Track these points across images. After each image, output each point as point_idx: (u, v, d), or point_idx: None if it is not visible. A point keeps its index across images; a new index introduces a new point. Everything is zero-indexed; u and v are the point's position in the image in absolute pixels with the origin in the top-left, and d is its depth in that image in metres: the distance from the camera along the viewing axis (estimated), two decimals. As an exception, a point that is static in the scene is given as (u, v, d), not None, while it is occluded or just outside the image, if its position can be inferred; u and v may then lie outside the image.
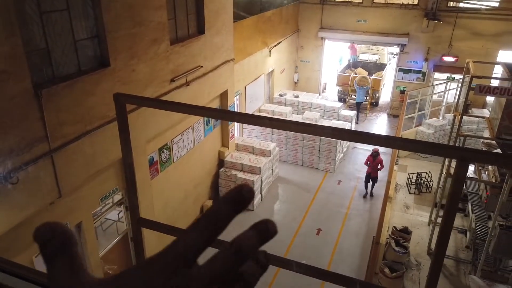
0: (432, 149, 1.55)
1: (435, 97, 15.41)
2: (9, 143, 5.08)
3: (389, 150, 12.61)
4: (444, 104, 15.25)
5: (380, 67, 19.66)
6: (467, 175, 9.49)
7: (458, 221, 10.17)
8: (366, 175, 11.64)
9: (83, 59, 6.17)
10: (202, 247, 0.41)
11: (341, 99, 18.24)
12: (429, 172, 11.67)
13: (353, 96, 18.06)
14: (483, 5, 15.30)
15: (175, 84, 8.35)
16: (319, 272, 1.60)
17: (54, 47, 5.67)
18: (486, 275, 8.04)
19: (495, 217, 7.54)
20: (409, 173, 12.07)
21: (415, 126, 14.42)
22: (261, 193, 11.45)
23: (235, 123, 11.89)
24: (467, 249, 9.29)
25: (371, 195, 11.81)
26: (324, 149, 12.87)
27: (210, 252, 0.43)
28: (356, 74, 17.89)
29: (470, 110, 14.41)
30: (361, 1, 16.97)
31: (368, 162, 11.49)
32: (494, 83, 10.66)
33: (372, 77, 17.58)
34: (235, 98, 12.12)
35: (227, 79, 10.74)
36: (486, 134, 10.43)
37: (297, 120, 13.24)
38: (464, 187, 9.70)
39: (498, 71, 13.85)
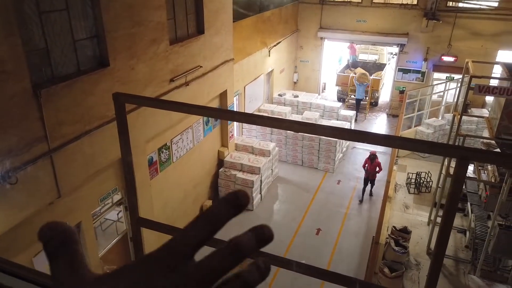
0: (432, 148, 1.55)
1: (434, 97, 15.42)
2: (8, 143, 5.08)
3: (389, 150, 12.62)
4: (443, 104, 15.26)
5: (380, 67, 19.66)
6: (467, 175, 9.50)
7: (458, 221, 10.17)
8: (365, 179, 11.58)
9: (83, 59, 6.17)
10: (199, 245, 0.42)
11: (341, 99, 18.24)
12: (429, 172, 11.68)
13: (352, 96, 18.07)
14: (482, 5, 15.30)
15: (174, 84, 8.35)
16: (318, 271, 1.60)
17: (54, 47, 5.67)
18: (485, 274, 8.04)
19: (494, 217, 7.55)
20: (408, 173, 12.07)
21: (415, 126, 14.43)
22: (260, 193, 11.45)
23: (235, 123, 11.89)
24: (466, 248, 9.29)
25: (371, 194, 11.80)
26: (323, 149, 12.87)
27: (209, 252, 0.44)
28: (355, 74, 17.89)
29: (469, 110, 14.42)
30: (360, 1, 16.98)
31: (366, 165, 11.44)
32: (494, 83, 10.67)
33: (371, 77, 17.58)
34: (235, 98, 12.12)
35: (227, 79, 10.73)
36: (486, 134, 10.43)
37: (298, 120, 13.25)
38: (464, 186, 9.71)
39: (497, 71, 13.88)
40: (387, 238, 8.75)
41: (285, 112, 14.03)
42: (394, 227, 9.35)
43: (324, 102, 15.51)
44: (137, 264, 0.43)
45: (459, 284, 8.44)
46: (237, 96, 12.56)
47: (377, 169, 11.29)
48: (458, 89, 11.41)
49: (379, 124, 17.42)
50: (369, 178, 11.47)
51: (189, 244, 0.42)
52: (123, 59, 6.77)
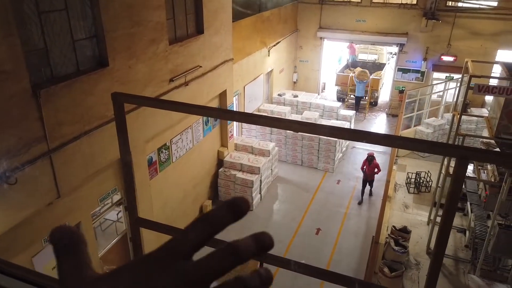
0: (431, 148, 1.54)
1: (434, 96, 15.42)
2: (7, 143, 5.07)
3: (388, 149, 12.63)
4: (443, 103, 15.26)
5: (379, 66, 19.66)
6: (467, 175, 9.50)
7: (457, 220, 10.18)
8: (363, 180, 11.54)
9: (82, 59, 6.16)
10: (198, 246, 0.43)
11: (340, 98, 18.24)
12: (428, 171, 11.68)
13: (352, 96, 18.08)
14: (481, 4, 15.31)
15: (174, 84, 8.34)
16: (317, 271, 1.60)
17: (53, 47, 5.66)
18: (485, 274, 8.04)
19: (494, 216, 7.55)
20: (408, 173, 12.08)
21: (414, 126, 14.43)
22: (260, 193, 11.45)
23: (234, 123, 11.88)
24: (466, 248, 9.30)
25: (370, 194, 11.79)
26: (323, 148, 12.87)
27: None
28: (355, 74, 17.89)
29: (469, 110, 14.41)
30: (360, 1, 16.97)
31: (364, 167, 11.40)
32: (493, 82, 10.67)
33: (371, 77, 17.58)
34: (234, 98, 12.12)
35: (226, 79, 10.73)
36: (485, 133, 10.43)
37: (297, 120, 13.25)
38: (463, 186, 9.71)
39: (497, 70, 13.88)
40: (386, 237, 8.75)
41: (285, 112, 14.03)
42: (393, 226, 9.35)
43: (323, 102, 15.51)
44: (136, 263, 0.44)
45: (459, 283, 8.44)
46: (236, 96, 12.56)
47: (376, 170, 11.25)
48: (457, 88, 11.41)
49: (378, 123, 17.42)
50: (368, 180, 11.43)
51: (188, 245, 0.43)
52: (122, 59, 6.77)
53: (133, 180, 1.76)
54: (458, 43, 15.81)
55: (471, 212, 9.06)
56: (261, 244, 0.44)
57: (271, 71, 15.57)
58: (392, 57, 21.41)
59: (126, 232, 7.86)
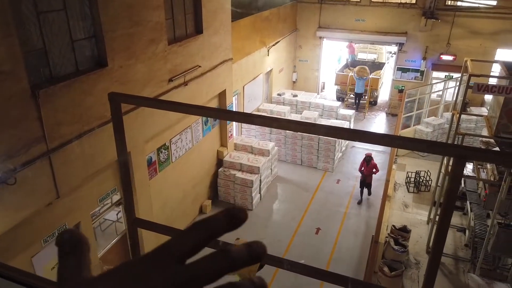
0: (429, 147, 1.54)
1: (433, 95, 15.42)
2: (6, 144, 5.07)
3: (388, 149, 12.63)
4: (442, 102, 15.26)
5: (379, 66, 19.66)
6: (466, 174, 9.50)
7: (457, 220, 10.18)
8: (361, 181, 11.51)
9: (81, 59, 6.16)
10: (192, 250, 0.44)
11: (340, 98, 18.25)
12: (428, 170, 11.68)
13: (351, 95, 18.07)
14: (481, 3, 15.30)
15: (173, 84, 8.34)
16: (313, 270, 1.60)
17: (52, 47, 5.66)
18: (485, 273, 8.05)
19: (493, 215, 7.55)
20: (408, 172, 12.07)
21: (414, 125, 14.43)
22: (260, 193, 11.45)
23: (234, 123, 11.88)
24: (466, 247, 9.30)
25: (369, 194, 11.73)
26: (323, 148, 12.87)
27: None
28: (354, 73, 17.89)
29: (468, 109, 14.41)
30: (359, 0, 16.97)
31: (362, 168, 11.37)
32: (492, 81, 10.66)
33: (370, 76, 17.59)
34: (234, 97, 12.11)
35: (226, 78, 10.73)
36: (485, 132, 10.43)
37: (296, 119, 13.24)
38: (463, 185, 9.71)
39: (496, 69, 13.88)
40: (386, 237, 8.75)
41: (284, 112, 14.02)
42: (393, 226, 9.35)
43: (323, 102, 15.51)
44: (130, 265, 0.45)
45: (458, 282, 8.44)
46: (236, 96, 12.55)
47: (374, 170, 11.22)
48: (457, 87, 11.41)
49: (378, 123, 17.42)
50: (366, 181, 11.41)
51: (182, 248, 0.44)
52: (121, 59, 6.77)
53: (130, 180, 1.76)
54: (458, 42, 15.81)
55: (471, 211, 9.06)
56: (253, 252, 0.44)
57: (271, 70, 15.57)
58: (392, 57, 21.41)
59: (126, 232, 7.86)
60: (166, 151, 8.90)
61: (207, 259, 0.43)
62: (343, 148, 14.11)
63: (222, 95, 10.85)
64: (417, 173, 11.82)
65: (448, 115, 13.50)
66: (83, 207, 6.62)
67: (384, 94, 19.21)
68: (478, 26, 15.40)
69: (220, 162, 11.36)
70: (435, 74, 16.85)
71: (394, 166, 11.38)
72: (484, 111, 13.78)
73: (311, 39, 18.11)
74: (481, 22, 15.34)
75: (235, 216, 0.45)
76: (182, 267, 0.43)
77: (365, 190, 11.63)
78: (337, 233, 10.37)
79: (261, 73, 14.53)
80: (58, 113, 5.73)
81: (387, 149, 12.74)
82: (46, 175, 5.65)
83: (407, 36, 16.57)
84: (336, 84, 18.34)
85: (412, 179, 11.85)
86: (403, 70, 17.22)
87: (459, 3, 15.55)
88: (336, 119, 14.65)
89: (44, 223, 5.84)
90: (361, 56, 21.12)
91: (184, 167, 9.70)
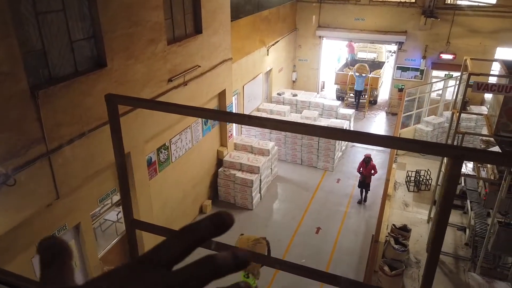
0: (426, 148, 1.54)
1: (433, 94, 15.40)
2: (6, 145, 5.07)
3: (388, 148, 12.61)
4: (442, 101, 15.25)
5: (378, 65, 19.64)
6: (467, 173, 9.50)
7: (457, 218, 10.18)
8: (360, 182, 11.43)
9: (80, 59, 6.16)
10: (179, 256, 0.45)
11: (340, 97, 18.24)
12: (428, 169, 11.67)
13: (351, 94, 18.06)
14: (480, 2, 15.28)
15: (172, 84, 8.34)
16: (305, 270, 1.60)
17: (51, 48, 5.66)
18: (485, 272, 8.04)
19: (494, 214, 7.54)
20: (408, 171, 12.06)
21: (414, 124, 14.42)
22: (260, 193, 11.45)
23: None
24: (466, 246, 9.29)
25: (365, 200, 11.56)
26: (323, 147, 12.87)
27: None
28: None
29: (468, 108, 14.41)
30: (358, -1, 16.97)
31: (361, 169, 11.31)
32: (492, 80, 10.64)
33: (370, 75, 17.58)
34: (233, 97, 12.10)
35: (225, 78, 10.72)
36: (485, 131, 10.42)
37: (296, 119, 13.24)
38: (463, 184, 9.71)
39: (496, 68, 13.86)
40: (386, 236, 8.75)
41: (284, 111, 14.02)
42: (393, 225, 9.34)
43: (323, 101, 15.50)
44: (118, 271, 0.45)
45: (459, 281, 8.44)
46: (236, 96, 12.55)
47: (372, 171, 11.19)
48: (456, 86, 11.40)
49: (378, 122, 17.41)
50: (364, 182, 11.38)
51: (170, 255, 0.44)
52: (120, 60, 6.76)
53: (128, 181, 1.76)
54: (457, 41, 15.79)
55: (471, 210, 9.05)
56: (238, 260, 0.45)
57: (270, 70, 15.56)
58: (391, 56, 21.39)
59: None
60: (166, 151, 8.90)
61: (193, 266, 0.43)
62: (343, 148, 14.11)
63: (221, 95, 10.85)
64: (417, 172, 11.82)
65: (448, 114, 13.49)
66: (83, 207, 6.62)
67: (384, 93, 19.20)
68: (478, 25, 15.39)
69: (220, 162, 11.36)
70: (435, 73, 16.84)
71: (394, 165, 11.37)
72: (484, 109, 13.78)
73: (311, 39, 18.10)
74: (480, 20, 15.32)
75: (221, 221, 0.45)
76: (170, 273, 0.44)
77: (363, 194, 11.57)
78: (337, 233, 10.37)
79: (261, 73, 14.52)
80: (58, 113, 5.73)
81: (387, 148, 12.73)
82: (46, 176, 5.65)
83: (406, 35, 16.56)
84: (336, 83, 18.34)
85: (412, 178, 11.84)
86: (403, 69, 17.21)
87: (458, 2, 15.54)
88: (336, 118, 14.64)
89: (44, 224, 5.85)
90: (360, 55, 21.11)
91: (184, 167, 9.70)
